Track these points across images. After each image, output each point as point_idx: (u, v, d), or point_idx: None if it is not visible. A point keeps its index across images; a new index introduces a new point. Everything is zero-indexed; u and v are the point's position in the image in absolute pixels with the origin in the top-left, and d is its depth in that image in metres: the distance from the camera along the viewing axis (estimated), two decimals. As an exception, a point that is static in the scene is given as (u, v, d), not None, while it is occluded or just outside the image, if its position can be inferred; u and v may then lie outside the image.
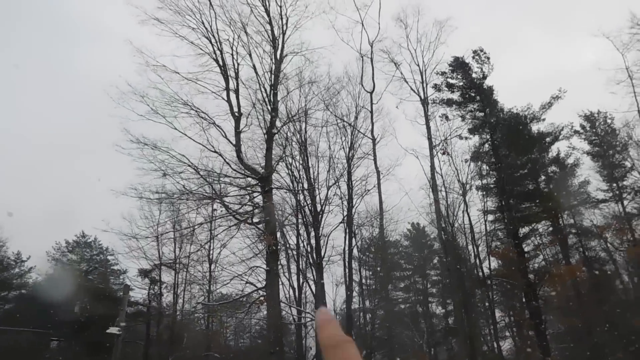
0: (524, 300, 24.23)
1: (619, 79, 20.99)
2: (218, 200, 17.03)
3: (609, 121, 30.63)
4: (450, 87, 26.39)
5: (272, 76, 18.83)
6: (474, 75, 26.44)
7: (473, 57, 26.78)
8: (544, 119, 26.92)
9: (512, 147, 24.47)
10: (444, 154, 22.84)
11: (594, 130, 31.06)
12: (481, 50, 26.69)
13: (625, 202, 28.90)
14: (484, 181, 26.09)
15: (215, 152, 16.91)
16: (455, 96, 26.43)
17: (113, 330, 15.30)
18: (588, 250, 29.71)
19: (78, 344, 29.34)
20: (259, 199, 17.40)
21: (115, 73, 36.95)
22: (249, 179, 17.49)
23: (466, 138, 26.11)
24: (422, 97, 25.01)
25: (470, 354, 18.69)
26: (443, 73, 27.09)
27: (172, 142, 16.65)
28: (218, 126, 17.10)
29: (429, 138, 20.82)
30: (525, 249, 25.96)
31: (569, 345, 26.81)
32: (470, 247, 24.44)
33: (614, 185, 29.70)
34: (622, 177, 29.53)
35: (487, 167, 26.17)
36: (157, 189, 17.08)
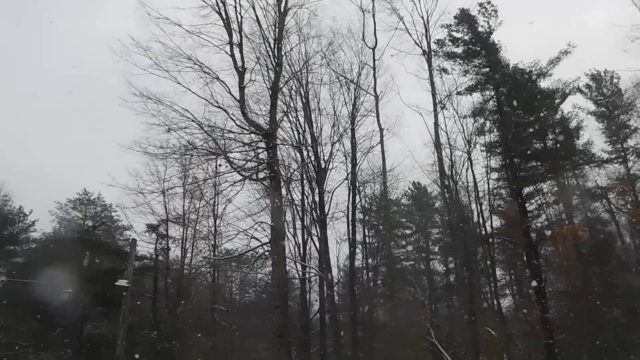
0: (525, 259, 24.48)
1: (634, 36, 20.29)
2: (223, 156, 17.01)
3: (615, 80, 30.14)
4: (455, 41, 25.64)
5: (276, 30, 18.43)
6: (479, 29, 25.62)
7: (479, 10, 25.88)
8: (551, 74, 26.14)
9: (518, 104, 24.06)
10: (443, 108, 22.50)
11: (600, 90, 30.62)
12: (488, 2, 25.77)
13: (630, 164, 28.80)
14: (489, 139, 25.87)
15: (219, 107, 16.78)
16: (460, 50, 25.75)
17: (122, 282, 15.66)
18: (591, 211, 29.87)
19: (88, 296, 30.09)
20: (263, 155, 17.38)
21: (118, 27, 36.30)
22: (253, 134, 17.43)
23: (470, 93, 25.62)
24: (426, 50, 24.47)
25: (470, 310, 19.09)
26: (448, 26, 26.24)
27: (176, 96, 16.52)
28: (222, 81, 16.90)
29: (433, 93, 20.55)
30: (529, 208, 26.02)
31: (567, 304, 27.34)
32: (473, 205, 24.57)
33: (618, 146, 29.52)
34: (626, 138, 29.32)
35: (492, 125, 25.86)
36: (162, 144, 17.07)
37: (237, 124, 17.21)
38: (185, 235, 29.31)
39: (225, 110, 16.88)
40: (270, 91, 18.34)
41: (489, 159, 25.03)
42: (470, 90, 25.81)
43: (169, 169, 26.11)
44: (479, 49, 25.79)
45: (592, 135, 32.16)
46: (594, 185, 29.04)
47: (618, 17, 43.04)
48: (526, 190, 26.00)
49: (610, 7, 50.19)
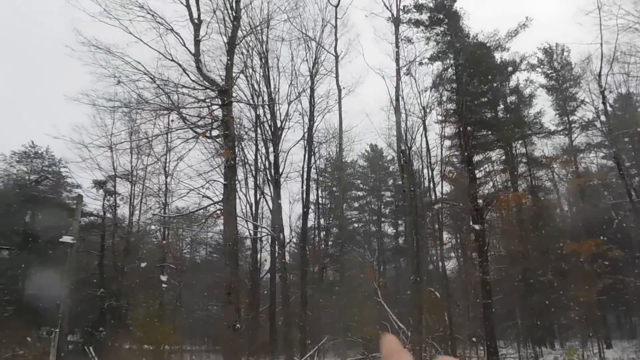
0: (470, 223, 25.48)
1: (588, 10, 20.80)
2: (175, 112, 16.45)
3: (566, 54, 31.10)
4: (419, 7, 25.59)
5: (235, -20, 17.64)
6: (444, -5, 25.62)
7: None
8: (508, 48, 26.88)
9: (474, 74, 24.52)
10: (407, 74, 22.63)
11: (551, 63, 31.55)
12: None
13: (574, 136, 30.16)
14: (444, 107, 26.33)
15: (172, 60, 16.04)
16: (425, 17, 25.73)
17: (67, 239, 15.10)
18: (535, 179, 31.27)
19: (31, 253, 29.06)
20: (218, 112, 16.93)
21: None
22: (208, 90, 16.87)
23: (432, 62, 25.88)
24: (394, 14, 24.23)
25: (417, 271, 19.78)
26: (413, -9, 26.08)
27: (127, 47, 15.61)
28: (176, 33, 16.10)
29: (397, 58, 20.47)
30: (478, 175, 26.96)
31: (506, 267, 28.90)
32: (425, 170, 25.14)
33: (565, 118, 30.78)
34: (573, 110, 30.57)
35: (449, 93, 26.28)
36: (111, 97, 16.29)
37: (191, 79, 16.58)
38: (133, 192, 28.55)
39: (179, 64, 16.20)
40: (227, 46, 17.70)
41: (443, 126, 25.53)
42: (431, 59, 26.03)
43: (117, 122, 25.14)
44: (442, 16, 25.82)
45: (544, 106, 33.38)
46: (541, 155, 30.30)
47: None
48: (476, 158, 26.89)
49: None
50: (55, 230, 25.92)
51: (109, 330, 24.46)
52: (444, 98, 26.41)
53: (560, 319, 27.18)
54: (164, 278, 24.96)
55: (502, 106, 28.52)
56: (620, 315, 38.10)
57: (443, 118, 25.94)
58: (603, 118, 23.69)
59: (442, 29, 26.08)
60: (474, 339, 21.41)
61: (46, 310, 23.98)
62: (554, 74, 31.40)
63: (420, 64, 24.84)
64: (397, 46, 20.80)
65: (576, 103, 30.22)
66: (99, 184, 27.72)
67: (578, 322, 23.51)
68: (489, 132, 27.12)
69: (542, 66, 31.80)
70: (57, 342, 13.70)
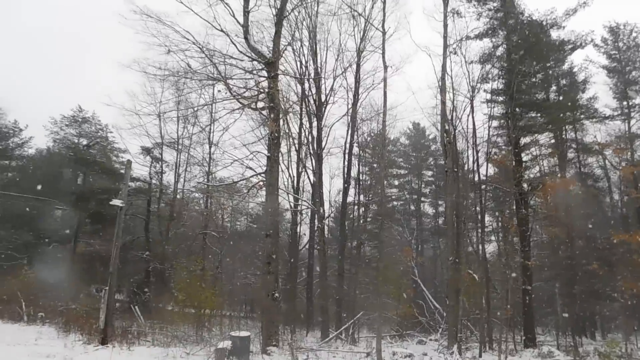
0: (514, 207, 24.89)
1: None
2: (222, 82, 16.65)
3: (634, 34, 29.19)
4: (470, -19, 24.54)
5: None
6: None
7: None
8: (564, 27, 25.51)
9: (527, 53, 23.51)
10: (454, 53, 21.96)
11: (616, 44, 29.71)
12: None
13: (633, 121, 28.60)
14: (493, 86, 25.47)
15: (221, 30, 16.15)
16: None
17: (116, 202, 15.67)
18: (585, 166, 30.04)
19: (82, 214, 30.53)
20: (264, 84, 17.04)
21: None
22: (255, 62, 16.98)
23: (481, 39, 24.93)
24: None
25: (456, 252, 19.58)
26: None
27: (177, 16, 15.83)
28: (226, 3, 16.11)
29: (444, 36, 19.83)
30: (524, 159, 26.16)
31: (549, 254, 28.20)
32: (470, 151, 24.56)
33: (624, 103, 29.18)
34: (635, 95, 28.88)
35: (499, 72, 25.37)
36: (161, 65, 16.63)
37: (239, 50, 16.69)
38: (179, 160, 29.37)
39: (227, 35, 16.31)
40: (275, 18, 17.68)
41: (491, 106, 24.76)
42: (480, 36, 25.06)
43: (165, 91, 25.78)
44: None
45: (599, 91, 31.77)
46: (593, 141, 28.99)
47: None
48: (523, 140, 26.04)
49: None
50: (105, 193, 27.14)
51: (153, 291, 25.61)
52: (494, 77, 25.57)
53: (604, 310, 26.42)
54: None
55: (554, 88, 27.31)
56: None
57: (491, 97, 25.19)
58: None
59: (495, 4, 25.06)
60: (510, 324, 21.17)
61: (96, 268, 25.34)
62: (617, 55, 29.63)
63: (468, 37, 23.97)
64: (446, 22, 20.10)
65: (638, 87, 28.51)
66: (146, 151, 28.64)
67: (622, 314, 22.78)
68: (539, 115, 26.13)
69: (606, 46, 30.05)
70: (106, 299, 14.45)
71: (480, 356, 17.50)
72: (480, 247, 23.46)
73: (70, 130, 34.11)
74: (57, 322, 18.02)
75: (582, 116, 26.54)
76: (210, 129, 26.66)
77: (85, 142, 34.34)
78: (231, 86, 16.71)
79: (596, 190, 28.75)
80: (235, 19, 16.37)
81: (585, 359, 17.35)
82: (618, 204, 32.52)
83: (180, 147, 28.90)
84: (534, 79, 25.66)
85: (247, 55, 16.82)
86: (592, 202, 26.50)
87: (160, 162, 29.33)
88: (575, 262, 24.62)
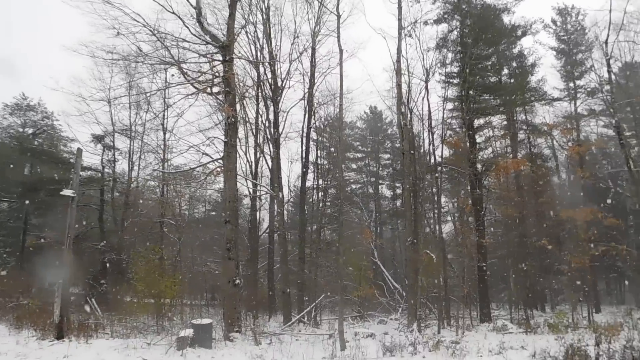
0: (468, 188, 25.64)
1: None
2: (175, 66, 16.17)
3: (581, 17, 30.37)
4: (426, -36, 24.80)
5: None
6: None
7: None
8: (514, 12, 26.33)
9: (479, 37, 24.06)
10: (409, 35, 22.15)
11: (564, 26, 30.85)
12: None
13: (578, 102, 29.87)
14: (448, 70, 25.96)
15: (173, 13, 15.59)
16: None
17: (67, 192, 14.98)
18: (535, 146, 31.23)
19: (30, 206, 29.24)
20: (219, 68, 16.65)
21: None
22: (210, 46, 16.56)
23: (437, 24, 25.32)
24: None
25: (413, 233, 19.98)
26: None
27: (126, -1, 15.20)
28: (177, -17, 15.64)
29: (399, 18, 19.91)
30: (478, 140, 26.93)
31: (502, 232, 29.31)
32: (425, 133, 24.99)
33: (571, 84, 30.41)
34: (580, 76, 30.15)
35: (452, 55, 25.87)
36: (110, 49, 15.94)
37: (192, 33, 16.23)
38: (132, 147, 28.44)
39: (179, 17, 15.78)
40: (229, 0, 17.26)
41: (446, 88, 25.23)
42: (437, 21, 25.47)
43: (114, 77, 24.86)
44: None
45: (547, 73, 32.93)
46: (542, 122, 30.15)
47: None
48: (477, 122, 26.77)
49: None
50: (55, 183, 26.03)
51: (111, 283, 24.91)
52: (448, 60, 26.04)
53: (552, 283, 27.78)
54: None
55: (506, 71, 28.13)
56: (611, 282, 38.93)
57: (446, 79, 25.65)
58: (607, 87, 23.39)
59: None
60: (467, 300, 21.94)
61: (48, 261, 24.36)
62: (565, 37, 30.77)
63: (425, 23, 24.24)
64: (400, 4, 20.18)
65: (583, 68, 29.77)
66: (97, 139, 27.59)
67: (569, 287, 24.03)
68: (492, 97, 26.90)
69: (555, 26, 31.14)
70: (60, 292, 13.94)
71: (439, 332, 18.06)
72: (437, 227, 24.05)
73: (13, 119, 32.42)
74: (8, 319, 17.26)
75: (532, 98, 27.48)
76: (164, 115, 25.91)
77: (30, 131, 32.74)
78: (185, 70, 16.25)
79: (545, 170, 29.96)
80: (188, 1, 15.90)
81: (536, 330, 18.22)
82: (565, 183, 34.07)
83: (133, 134, 28.00)
84: (487, 63, 26.35)
85: (200, 39, 16.38)
86: (541, 180, 27.63)
87: (112, 150, 28.36)
88: (526, 239, 25.72)
